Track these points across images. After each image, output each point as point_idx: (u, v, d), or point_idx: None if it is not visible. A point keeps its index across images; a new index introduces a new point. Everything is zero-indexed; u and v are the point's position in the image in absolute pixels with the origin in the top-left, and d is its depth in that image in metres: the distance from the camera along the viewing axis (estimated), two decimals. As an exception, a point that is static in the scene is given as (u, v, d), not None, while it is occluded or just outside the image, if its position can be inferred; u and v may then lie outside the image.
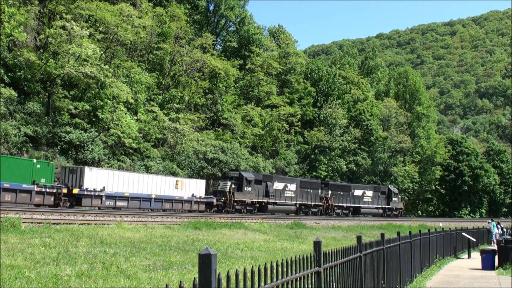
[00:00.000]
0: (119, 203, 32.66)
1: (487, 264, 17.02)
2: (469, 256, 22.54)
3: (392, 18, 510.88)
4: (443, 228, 27.18)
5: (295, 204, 45.35)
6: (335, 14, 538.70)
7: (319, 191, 49.04)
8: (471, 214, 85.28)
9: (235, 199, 38.94)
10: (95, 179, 30.97)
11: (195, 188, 38.29)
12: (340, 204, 50.52)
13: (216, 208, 38.55)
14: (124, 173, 34.34)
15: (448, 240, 22.11)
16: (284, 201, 44.06)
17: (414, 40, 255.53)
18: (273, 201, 42.60)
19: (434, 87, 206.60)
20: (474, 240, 26.59)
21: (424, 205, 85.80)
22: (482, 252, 17.63)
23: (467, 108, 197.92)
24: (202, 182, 39.64)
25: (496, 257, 17.58)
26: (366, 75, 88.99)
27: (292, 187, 45.34)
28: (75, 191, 29.86)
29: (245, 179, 40.02)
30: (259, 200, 41.29)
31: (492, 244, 29.55)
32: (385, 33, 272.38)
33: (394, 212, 59.41)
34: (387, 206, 57.89)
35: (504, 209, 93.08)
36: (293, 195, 45.31)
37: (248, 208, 40.26)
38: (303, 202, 46.31)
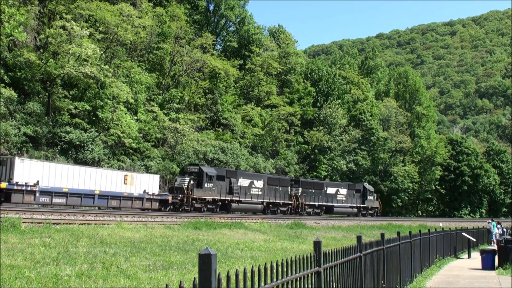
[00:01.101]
0: (56, 200, 28.87)
1: (487, 264, 17.02)
2: (469, 256, 22.54)
3: (392, 18, 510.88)
4: (443, 228, 27.18)
5: (262, 203, 42.20)
6: (335, 14, 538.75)
7: (289, 188, 45.85)
8: (471, 214, 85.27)
9: (194, 196, 35.53)
10: (28, 171, 27.39)
11: (148, 183, 34.69)
12: (311, 203, 47.47)
13: (171, 207, 35.36)
14: (63, 165, 30.50)
15: (448, 240, 22.11)
16: (250, 199, 40.71)
17: (414, 40, 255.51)
18: (238, 199, 39.32)
19: (434, 87, 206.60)
20: (474, 240, 26.59)
21: (424, 205, 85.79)
22: (482, 252, 17.63)
23: (467, 108, 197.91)
24: (156, 177, 36.24)
25: (496, 257, 17.58)
26: (366, 75, 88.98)
27: (259, 184, 42.12)
28: (3, 185, 25.96)
29: (205, 174, 36.63)
30: (221, 198, 37.94)
31: (492, 244, 29.55)
32: (385, 33, 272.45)
33: (370, 212, 56.49)
34: (362, 205, 55.01)
35: (504, 209, 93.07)
36: (260, 193, 42.03)
37: (209, 206, 37.16)
38: (271, 200, 43.12)
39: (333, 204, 50.12)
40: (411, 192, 76.99)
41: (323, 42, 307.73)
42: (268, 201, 42.77)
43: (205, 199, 36.74)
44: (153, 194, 34.67)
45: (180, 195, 35.12)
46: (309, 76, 67.15)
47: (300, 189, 46.64)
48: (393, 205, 73.67)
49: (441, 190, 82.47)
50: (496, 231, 32.63)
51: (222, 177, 38.39)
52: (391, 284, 10.05)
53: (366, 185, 57.53)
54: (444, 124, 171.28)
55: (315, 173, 61.02)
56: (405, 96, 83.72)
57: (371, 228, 36.32)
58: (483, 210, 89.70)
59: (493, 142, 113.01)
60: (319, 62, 74.48)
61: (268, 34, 72.36)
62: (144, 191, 34.14)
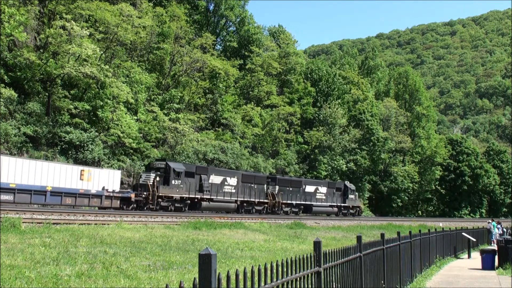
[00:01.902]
0: (3, 197, 25.85)
1: (487, 264, 17.02)
2: (469, 256, 22.54)
3: (392, 18, 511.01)
4: (443, 228, 27.19)
5: (236, 201, 39.64)
6: (335, 14, 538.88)
7: (265, 186, 43.30)
8: (471, 214, 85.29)
9: (160, 194, 32.99)
10: None
11: (108, 179, 31.95)
12: (289, 202, 44.95)
13: (135, 205, 32.62)
14: (9, 158, 27.52)
15: (448, 240, 22.12)
16: (222, 197, 38.17)
17: (414, 40, 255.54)
18: (209, 197, 36.77)
19: (434, 87, 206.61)
20: (474, 240, 26.60)
21: (424, 205, 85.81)
22: (482, 252, 17.64)
23: (467, 108, 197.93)
24: (117, 173, 33.70)
25: (496, 257, 17.59)
26: (366, 75, 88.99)
27: (233, 181, 39.70)
28: None
29: (173, 170, 34.12)
30: (190, 196, 35.38)
31: (492, 244, 29.55)
32: (385, 33, 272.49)
33: (351, 211, 53.85)
34: (342, 204, 52.37)
35: (504, 209, 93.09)
36: (234, 191, 39.49)
37: (176, 205, 34.68)
38: (246, 199, 40.46)
39: (312, 203, 47.63)
40: (411, 192, 77.02)
41: (323, 42, 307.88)
42: (242, 199, 40.17)
43: (172, 197, 34.15)
44: (113, 191, 31.84)
45: (145, 193, 32.51)
46: (309, 76, 67.18)
47: (277, 187, 44.02)
48: (393, 205, 73.70)
49: (441, 190, 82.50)
50: (496, 231, 32.64)
51: (192, 174, 35.81)
52: (391, 284, 10.05)
53: (347, 183, 55.07)
54: (444, 124, 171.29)
55: (315, 173, 61.01)
56: (405, 96, 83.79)
57: (371, 228, 36.32)
58: (483, 210, 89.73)
59: (493, 142, 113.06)
60: (319, 62, 74.51)
61: (268, 34, 72.39)
62: (103, 188, 31.29)
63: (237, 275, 3.37)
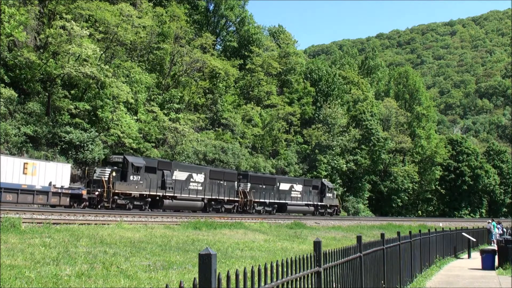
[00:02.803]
0: None
1: (487, 264, 17.03)
2: (469, 256, 22.55)
3: (392, 18, 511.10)
4: (443, 228, 27.20)
5: (203, 199, 37.08)
6: (335, 14, 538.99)
7: (235, 183, 40.75)
8: (471, 214, 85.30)
9: (116, 190, 30.20)
10: None
11: (56, 174, 28.52)
12: (261, 200, 42.44)
13: (87, 203, 29.83)
14: None
15: (448, 240, 22.12)
16: (188, 195, 35.63)
17: (414, 40, 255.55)
18: (172, 194, 34.30)
19: (434, 87, 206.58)
20: (474, 240, 26.60)
21: (424, 205, 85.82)
22: (482, 252, 17.64)
23: (467, 108, 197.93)
24: (67, 167, 30.24)
25: (496, 257, 17.59)
26: (366, 75, 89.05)
27: (199, 177, 37.04)
28: None
29: (131, 165, 31.47)
30: (151, 193, 32.79)
31: (492, 244, 29.57)
32: (385, 33, 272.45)
33: (328, 210, 51.24)
34: (319, 203, 49.75)
35: (504, 209, 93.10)
36: (200, 188, 36.90)
37: (136, 203, 31.93)
38: (214, 197, 37.92)
39: (287, 201, 45.41)
40: (411, 192, 77.03)
41: (323, 42, 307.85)
42: (210, 197, 37.67)
43: (131, 194, 31.44)
44: (62, 187, 28.59)
45: (99, 189, 29.70)
46: (309, 76, 67.20)
47: (249, 185, 41.62)
48: (393, 205, 73.71)
49: (441, 190, 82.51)
50: (496, 231, 32.65)
51: (153, 169, 33.30)
52: (391, 284, 10.05)
53: (325, 181, 52.65)
54: (444, 124, 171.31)
55: (315, 173, 61.00)
56: (405, 96, 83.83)
57: (371, 228, 36.33)
58: (483, 210, 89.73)
59: (493, 142, 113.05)
60: (319, 62, 74.54)
61: (268, 34, 72.43)
62: (50, 184, 27.86)
63: (237, 275, 3.37)
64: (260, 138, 55.61)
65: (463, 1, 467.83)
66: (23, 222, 16.93)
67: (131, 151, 39.37)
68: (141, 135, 41.47)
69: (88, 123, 37.46)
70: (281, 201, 44.87)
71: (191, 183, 36.36)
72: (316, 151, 61.68)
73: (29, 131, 33.24)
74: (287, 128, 59.64)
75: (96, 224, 20.22)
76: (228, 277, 3.26)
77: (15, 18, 30.44)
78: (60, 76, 36.20)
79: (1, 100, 32.03)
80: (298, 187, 47.40)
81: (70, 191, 29.10)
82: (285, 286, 4.22)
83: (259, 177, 43.63)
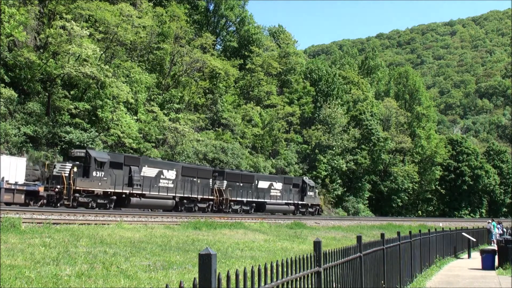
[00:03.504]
0: None
1: (487, 264, 17.03)
2: (469, 256, 22.56)
3: (392, 18, 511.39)
4: (443, 228, 27.21)
5: (174, 197, 35.11)
6: (335, 14, 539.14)
7: (210, 181, 38.74)
8: (471, 214, 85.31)
9: (77, 187, 28.06)
10: None
11: (9, 169, 26.16)
12: (238, 199, 40.40)
13: (45, 201, 27.48)
14: None
15: (448, 240, 22.13)
16: (157, 193, 33.55)
17: (414, 40, 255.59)
18: (140, 192, 32.11)
19: (434, 87, 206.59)
20: (474, 240, 26.61)
21: (424, 205, 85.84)
22: (482, 252, 17.65)
23: (467, 108, 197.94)
24: (21, 161, 27.71)
25: (496, 257, 17.60)
26: (366, 75, 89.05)
27: (171, 174, 34.92)
28: None
29: (94, 160, 29.34)
30: (117, 191, 30.54)
31: (492, 244, 29.58)
32: (385, 33, 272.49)
33: (310, 210, 49.34)
34: (300, 202, 47.82)
35: (504, 209, 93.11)
36: (172, 185, 34.80)
37: (99, 201, 29.82)
38: (186, 195, 35.98)
39: (266, 200, 43.36)
40: (411, 192, 77.03)
41: (323, 42, 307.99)
42: (182, 195, 35.74)
43: (94, 191, 29.36)
44: (16, 184, 26.03)
45: (58, 186, 27.54)
46: (309, 76, 67.20)
47: (225, 182, 39.62)
48: (393, 205, 73.72)
49: (441, 190, 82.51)
50: (496, 231, 32.66)
51: (119, 165, 31.17)
52: (391, 284, 10.05)
53: (306, 179, 50.43)
54: (444, 124, 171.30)
55: (315, 173, 61.01)
56: (405, 96, 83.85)
57: (371, 228, 36.34)
58: (483, 210, 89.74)
59: (493, 142, 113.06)
60: (319, 62, 74.56)
61: (268, 34, 72.43)
62: (3, 179, 25.41)
63: (237, 275, 3.37)
64: (260, 138, 55.60)
65: (463, 1, 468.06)
66: (23, 222, 16.93)
67: (131, 151, 39.37)
68: (141, 135, 41.46)
69: (88, 123, 37.45)
70: (259, 200, 42.90)
71: (161, 180, 34.14)
72: (316, 151, 61.68)
73: (29, 131, 33.23)
74: (287, 128, 59.64)
75: (96, 224, 20.23)
76: (228, 277, 3.26)
77: (15, 18, 30.43)
78: (60, 76, 36.19)
79: (1, 100, 32.02)
80: (278, 185, 45.52)
81: (25, 188, 26.43)
82: (285, 286, 4.22)
83: (236, 175, 41.45)
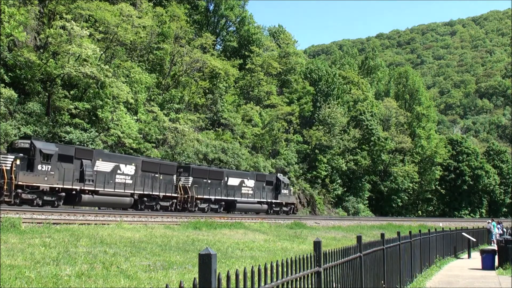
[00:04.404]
0: None
1: (487, 264, 17.04)
2: (469, 256, 22.56)
3: (392, 18, 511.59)
4: (443, 228, 27.20)
5: (132, 195, 32.11)
6: (335, 14, 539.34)
7: (174, 177, 36.06)
8: (471, 214, 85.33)
9: (20, 182, 25.12)
10: None
11: None
12: (206, 197, 37.53)
13: None
14: None
15: (448, 240, 22.14)
16: (113, 190, 30.46)
17: (414, 40, 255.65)
18: (92, 188, 29.07)
19: (434, 87, 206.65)
20: (474, 240, 26.62)
21: (424, 205, 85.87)
22: (482, 252, 17.65)
23: (467, 108, 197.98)
24: None
25: (496, 257, 17.60)
26: (366, 75, 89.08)
27: (129, 169, 32.05)
28: None
29: (39, 152, 26.32)
30: (66, 187, 27.49)
31: (492, 244, 29.58)
32: (385, 33, 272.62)
33: (284, 208, 46.64)
34: (274, 200, 44.95)
35: (504, 209, 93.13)
36: (130, 181, 31.91)
37: (46, 198, 26.76)
38: (146, 192, 33.14)
39: (236, 198, 40.52)
40: (411, 192, 77.05)
41: (323, 42, 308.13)
42: (142, 192, 32.84)
43: (39, 187, 26.27)
44: None
45: None
46: (309, 76, 67.22)
47: (191, 179, 36.82)
48: (393, 205, 73.74)
49: (441, 190, 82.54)
50: (496, 231, 32.67)
51: (69, 158, 28.16)
52: (391, 284, 10.05)
53: (280, 176, 47.53)
54: (444, 124, 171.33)
55: (315, 173, 61.02)
56: (405, 96, 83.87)
57: (371, 228, 36.35)
58: (483, 210, 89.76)
59: (493, 142, 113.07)
60: (319, 62, 74.57)
61: (268, 34, 72.44)
62: None
63: (237, 275, 3.38)
64: (260, 138, 55.60)
65: (463, 1, 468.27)
66: (23, 222, 16.93)
67: (131, 151, 39.38)
68: (141, 135, 41.46)
69: (88, 123, 37.46)
70: (229, 198, 39.97)
71: (118, 176, 31.22)
72: (316, 151, 61.69)
73: (29, 131, 33.23)
74: (287, 128, 59.64)
75: (96, 224, 20.23)
76: (228, 277, 3.27)
77: (15, 18, 30.42)
78: (60, 76, 36.19)
79: (1, 100, 32.02)
80: (250, 183, 42.62)
81: None
82: (285, 286, 4.22)
83: (203, 170, 38.65)
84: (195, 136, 46.67)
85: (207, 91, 53.11)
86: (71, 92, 37.77)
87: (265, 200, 44.04)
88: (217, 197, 38.74)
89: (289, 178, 52.67)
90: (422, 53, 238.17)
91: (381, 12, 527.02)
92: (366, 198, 69.47)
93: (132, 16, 40.56)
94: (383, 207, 73.59)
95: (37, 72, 35.25)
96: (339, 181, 64.84)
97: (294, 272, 4.45)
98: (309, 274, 4.95)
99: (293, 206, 48.53)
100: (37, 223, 17.80)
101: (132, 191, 32.01)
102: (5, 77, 33.40)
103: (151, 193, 33.42)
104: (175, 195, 35.51)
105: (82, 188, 28.54)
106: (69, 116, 36.21)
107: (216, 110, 53.24)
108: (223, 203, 39.82)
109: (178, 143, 44.68)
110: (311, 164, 61.84)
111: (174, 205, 35.67)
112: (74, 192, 28.31)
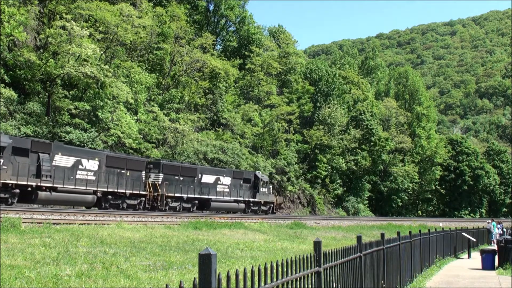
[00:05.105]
0: None
1: (487, 264, 17.04)
2: (469, 256, 22.56)
3: (392, 18, 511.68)
4: (443, 228, 27.21)
5: (95, 192, 29.71)
6: (335, 14, 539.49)
7: (143, 173, 33.71)
8: (471, 214, 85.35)
9: None
10: None
11: None
12: (177, 195, 35.49)
13: None
14: None
15: (448, 240, 22.14)
16: (73, 186, 28.18)
17: (414, 40, 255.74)
18: (50, 185, 26.74)
19: (434, 87, 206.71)
20: (474, 240, 26.62)
21: (424, 205, 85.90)
22: (482, 252, 17.65)
23: (467, 108, 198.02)
24: None
25: (496, 257, 17.60)
26: (366, 75, 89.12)
27: (92, 165, 29.63)
28: None
29: None
30: (20, 183, 25.28)
31: (492, 244, 29.59)
32: (385, 33, 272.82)
33: (263, 208, 44.16)
34: (252, 199, 42.53)
35: (504, 209, 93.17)
36: (93, 178, 29.56)
37: None
38: (111, 190, 30.76)
39: (211, 197, 38.27)
40: (411, 192, 77.07)
41: (323, 42, 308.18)
42: (106, 190, 30.40)
43: None
44: None
45: None
46: (309, 76, 67.23)
47: (161, 176, 34.62)
48: (393, 205, 73.76)
49: (441, 190, 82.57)
50: (496, 231, 32.67)
51: (24, 151, 25.96)
52: (391, 284, 10.05)
53: (259, 173, 44.78)
54: (444, 124, 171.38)
55: (315, 173, 61.01)
56: (405, 96, 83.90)
57: (371, 228, 36.35)
58: (483, 210, 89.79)
59: (493, 142, 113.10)
60: (319, 62, 74.58)
61: (268, 34, 72.43)
62: None
63: (237, 275, 3.38)
64: (260, 138, 55.59)
65: (463, 1, 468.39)
66: (23, 222, 16.93)
67: (131, 151, 39.38)
68: (141, 135, 41.46)
69: (88, 123, 37.46)
70: (203, 197, 37.73)
71: (79, 171, 28.81)
72: (316, 151, 61.69)
73: (29, 131, 33.23)
74: (287, 128, 59.63)
75: (96, 224, 20.22)
76: (228, 277, 3.27)
77: (15, 18, 30.43)
78: (60, 76, 36.19)
79: (1, 100, 32.02)
80: (226, 180, 40.34)
81: None
82: (285, 286, 4.22)
83: (175, 167, 36.21)
84: (195, 136, 46.65)
85: (207, 91, 53.10)
86: (71, 92, 37.77)
87: (242, 199, 41.63)
88: (190, 195, 36.69)
89: (269, 176, 49.81)
90: (422, 53, 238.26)
91: (381, 12, 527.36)
92: (366, 198, 69.48)
93: (132, 16, 40.55)
94: (383, 207, 73.61)
95: (37, 72, 35.25)
96: (339, 181, 64.84)
97: (294, 272, 4.45)
98: (309, 274, 4.95)
99: (272, 205, 46.18)
100: (37, 223, 17.79)
101: (95, 188, 29.66)
102: (5, 77, 33.41)
103: (116, 190, 31.01)
104: (144, 192, 33.24)
105: (39, 184, 26.20)
106: (69, 116, 36.20)
107: (216, 110, 53.24)
108: (197, 201, 37.67)
109: (178, 143, 44.66)
110: (311, 164, 61.84)
111: (142, 204, 33.47)
112: (29, 188, 25.96)
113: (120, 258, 11.99)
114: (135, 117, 41.95)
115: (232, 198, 40.59)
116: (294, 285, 4.44)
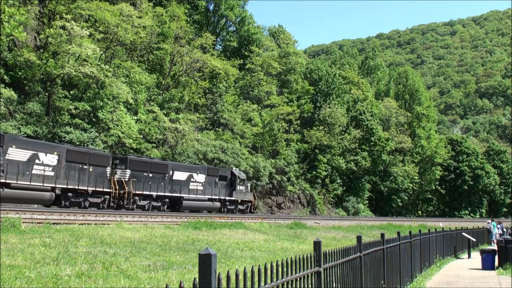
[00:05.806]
0: None
1: (487, 264, 17.04)
2: (469, 256, 22.56)
3: (392, 18, 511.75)
4: (443, 228, 27.21)
5: (54, 189, 27.26)
6: (335, 14, 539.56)
7: (108, 169, 31.24)
8: (471, 214, 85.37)
9: None
10: None
11: None
12: (146, 192, 33.21)
13: None
14: None
15: (448, 240, 22.14)
16: (29, 183, 25.68)
17: (414, 40, 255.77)
18: (3, 180, 24.36)
19: (434, 87, 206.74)
20: (474, 240, 26.62)
21: (424, 205, 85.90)
22: (482, 252, 17.65)
23: (467, 108, 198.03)
24: None
25: (496, 257, 17.60)
26: (366, 75, 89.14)
27: (50, 159, 27.21)
28: None
29: None
30: None
31: (492, 244, 29.59)
32: (385, 33, 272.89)
33: (240, 207, 41.96)
34: (228, 198, 40.33)
35: (504, 209, 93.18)
36: (52, 173, 27.17)
37: None
38: (72, 187, 28.29)
39: (183, 195, 36.09)
40: (411, 192, 77.06)
41: (323, 42, 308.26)
42: (66, 187, 27.92)
43: None
44: None
45: None
46: (309, 76, 67.23)
47: (129, 172, 32.25)
48: (393, 205, 73.76)
49: (441, 190, 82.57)
50: (496, 231, 32.68)
51: None
52: (391, 284, 10.05)
53: (236, 170, 42.61)
54: (444, 124, 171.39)
55: (315, 173, 60.99)
56: (405, 96, 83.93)
57: (371, 228, 36.35)
58: (483, 210, 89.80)
59: (493, 142, 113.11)
60: (319, 62, 74.59)
61: (268, 34, 72.44)
62: None
63: (237, 275, 3.38)
64: (260, 138, 55.59)
65: (463, 1, 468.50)
66: (23, 222, 16.93)
67: (132, 151, 39.36)
68: (142, 135, 41.45)
69: (88, 123, 37.46)
70: (174, 195, 35.56)
71: (36, 166, 26.40)
72: (316, 151, 61.68)
73: (29, 131, 33.23)
74: (287, 128, 59.64)
75: (96, 224, 20.23)
76: (228, 277, 3.27)
77: (15, 18, 30.42)
78: (60, 76, 36.19)
79: (1, 100, 32.02)
80: (200, 177, 38.03)
81: None
82: (285, 286, 4.22)
83: (143, 163, 33.83)
84: (195, 136, 46.64)
85: (207, 91, 53.10)
86: (71, 92, 37.77)
87: (217, 197, 39.36)
88: (159, 193, 34.42)
89: (246, 173, 46.98)
90: (422, 53, 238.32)
91: (381, 12, 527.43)
92: (366, 198, 69.46)
93: (132, 16, 40.55)
94: (383, 207, 73.60)
95: (37, 72, 35.24)
96: (339, 181, 64.82)
97: (294, 272, 4.45)
98: (309, 274, 4.95)
99: (250, 204, 43.52)
100: (37, 223, 17.80)
101: (54, 185, 27.15)
102: (5, 77, 33.41)
103: (77, 187, 28.63)
104: (108, 190, 30.80)
105: None
106: (69, 116, 36.20)
107: (216, 110, 53.24)
108: (167, 200, 35.41)
109: (178, 143, 44.66)
110: (311, 164, 61.83)
111: (107, 202, 31.02)
112: None
113: (120, 258, 12.00)
114: (135, 117, 41.95)
115: (207, 197, 38.30)
116: (294, 285, 4.44)
